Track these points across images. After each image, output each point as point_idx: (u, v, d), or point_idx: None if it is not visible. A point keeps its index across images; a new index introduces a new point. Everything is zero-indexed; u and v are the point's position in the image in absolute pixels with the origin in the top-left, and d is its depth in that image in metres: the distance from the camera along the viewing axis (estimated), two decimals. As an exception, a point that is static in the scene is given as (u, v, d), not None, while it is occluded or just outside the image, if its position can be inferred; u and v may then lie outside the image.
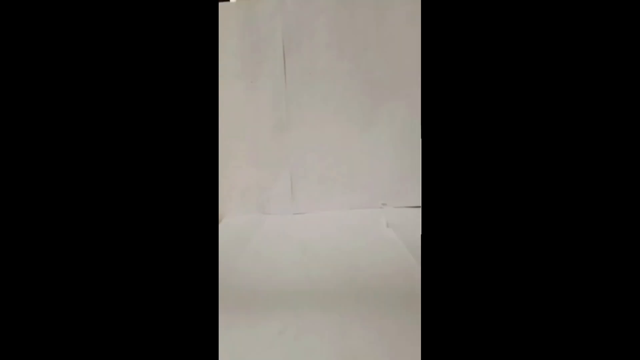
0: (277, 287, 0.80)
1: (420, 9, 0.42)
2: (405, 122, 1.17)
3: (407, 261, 0.84)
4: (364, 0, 1.14)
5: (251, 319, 0.68)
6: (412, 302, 0.64)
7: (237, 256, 0.96)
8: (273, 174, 1.25)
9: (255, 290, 0.79)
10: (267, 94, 1.22)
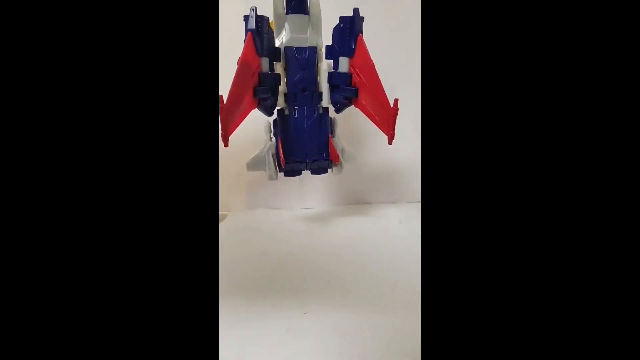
0: (284, 282, 0.76)
1: None
2: (419, 112, 1.12)
3: (418, 255, 0.80)
4: (375, -14, 1.10)
5: (258, 316, 0.65)
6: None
7: (243, 251, 0.93)
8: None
9: (262, 286, 0.76)
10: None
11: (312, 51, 0.83)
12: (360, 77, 0.78)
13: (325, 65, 0.84)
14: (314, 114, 0.87)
